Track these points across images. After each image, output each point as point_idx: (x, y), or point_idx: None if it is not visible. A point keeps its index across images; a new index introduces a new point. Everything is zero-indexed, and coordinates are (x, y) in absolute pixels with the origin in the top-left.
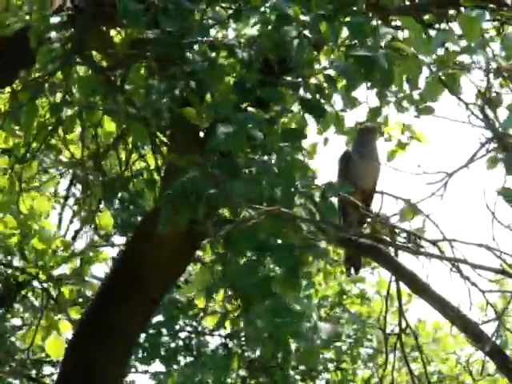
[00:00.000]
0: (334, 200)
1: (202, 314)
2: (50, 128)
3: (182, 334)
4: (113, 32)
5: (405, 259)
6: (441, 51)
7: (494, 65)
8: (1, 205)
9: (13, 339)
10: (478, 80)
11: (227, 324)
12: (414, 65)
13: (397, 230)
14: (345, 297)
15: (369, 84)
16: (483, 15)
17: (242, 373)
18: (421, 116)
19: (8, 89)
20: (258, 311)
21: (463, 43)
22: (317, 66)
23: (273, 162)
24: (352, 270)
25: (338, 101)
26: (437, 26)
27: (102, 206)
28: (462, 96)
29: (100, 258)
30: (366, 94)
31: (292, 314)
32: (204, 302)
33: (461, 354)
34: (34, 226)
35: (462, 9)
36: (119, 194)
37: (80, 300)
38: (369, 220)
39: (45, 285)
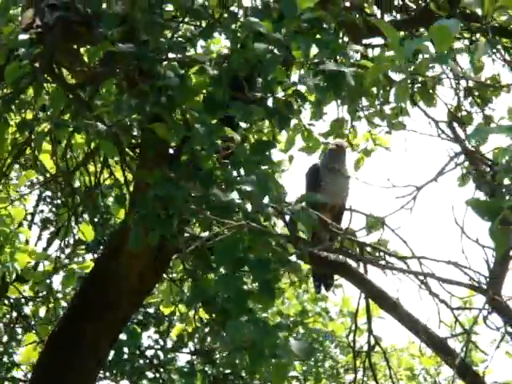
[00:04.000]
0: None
1: (167, 329)
2: (20, 145)
3: (148, 351)
4: (82, 50)
5: (374, 277)
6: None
7: (462, 82)
8: None
9: None
10: (447, 98)
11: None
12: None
13: (365, 247)
14: (307, 316)
15: (339, 101)
16: (456, 25)
17: None
18: (392, 131)
19: None
20: (236, 324)
21: (434, 52)
22: (286, 81)
23: (242, 173)
24: (322, 288)
25: (306, 115)
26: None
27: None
28: (432, 113)
29: (85, 268)
30: (337, 110)
31: (269, 328)
32: (170, 310)
33: (426, 375)
34: (9, 233)
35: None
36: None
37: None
38: (338, 236)
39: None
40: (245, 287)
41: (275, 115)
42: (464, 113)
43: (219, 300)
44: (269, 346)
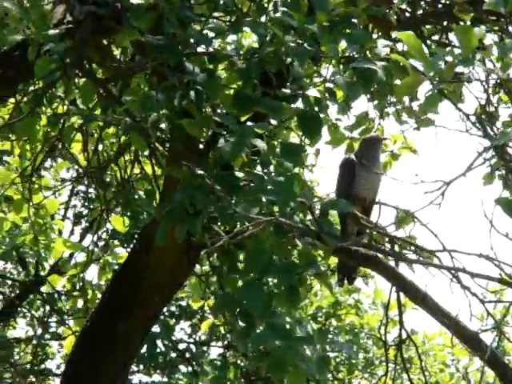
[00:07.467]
0: (333, 213)
1: (198, 322)
2: (52, 139)
3: (181, 345)
4: (112, 45)
5: (404, 269)
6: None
7: (493, 77)
8: (15, 203)
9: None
10: (478, 91)
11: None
12: (414, 79)
13: (396, 240)
14: (339, 307)
15: (368, 96)
16: (480, 30)
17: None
18: (420, 128)
19: (12, 100)
20: (260, 335)
21: (460, 55)
22: (316, 79)
23: (272, 175)
24: (345, 280)
25: (333, 110)
26: (436, 37)
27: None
28: (462, 107)
29: (118, 260)
30: (365, 106)
31: (292, 340)
32: (199, 305)
33: (458, 365)
34: (44, 225)
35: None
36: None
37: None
38: (368, 230)
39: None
40: (268, 290)
41: (305, 119)
42: (492, 108)
43: (244, 306)
44: (290, 358)
